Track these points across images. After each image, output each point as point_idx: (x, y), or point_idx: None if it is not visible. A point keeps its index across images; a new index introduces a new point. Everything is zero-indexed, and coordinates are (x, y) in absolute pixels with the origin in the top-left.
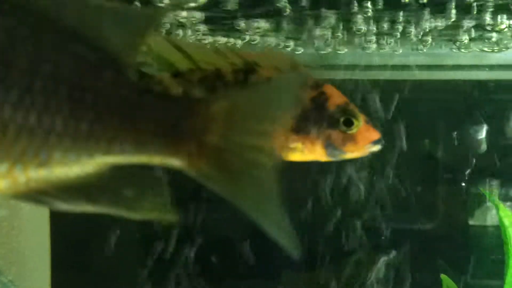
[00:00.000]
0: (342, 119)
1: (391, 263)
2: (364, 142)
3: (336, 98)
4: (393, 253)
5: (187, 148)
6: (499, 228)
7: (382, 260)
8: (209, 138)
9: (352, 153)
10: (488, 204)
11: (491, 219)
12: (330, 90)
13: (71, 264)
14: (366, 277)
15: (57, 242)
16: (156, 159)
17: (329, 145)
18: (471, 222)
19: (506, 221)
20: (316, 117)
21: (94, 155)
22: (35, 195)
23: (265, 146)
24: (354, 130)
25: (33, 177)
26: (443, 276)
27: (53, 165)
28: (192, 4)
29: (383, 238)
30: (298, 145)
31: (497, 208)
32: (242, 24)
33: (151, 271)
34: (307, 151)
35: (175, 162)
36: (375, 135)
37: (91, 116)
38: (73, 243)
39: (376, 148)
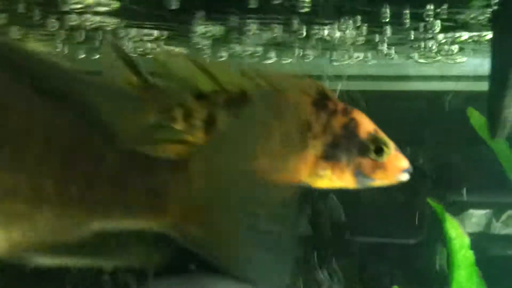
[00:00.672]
0: (372, 147)
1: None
2: (394, 171)
3: (366, 125)
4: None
5: (171, 212)
6: (477, 236)
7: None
8: (192, 200)
9: (382, 181)
10: (470, 211)
11: (470, 227)
12: (359, 116)
13: None
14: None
15: None
16: (141, 225)
17: (359, 173)
18: None
19: (453, 233)
20: (346, 144)
21: (82, 221)
22: (18, 254)
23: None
24: (384, 158)
25: (18, 240)
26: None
27: (40, 230)
28: (105, 9)
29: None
30: (327, 172)
31: (444, 220)
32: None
33: None
34: (336, 179)
35: (160, 227)
36: (405, 163)
37: (81, 183)
38: None
39: (405, 176)
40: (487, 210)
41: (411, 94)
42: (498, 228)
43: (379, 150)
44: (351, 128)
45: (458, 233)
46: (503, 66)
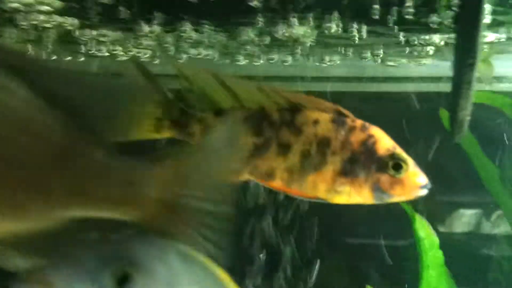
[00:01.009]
0: (391, 163)
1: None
2: (412, 187)
3: (385, 141)
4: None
5: (143, 205)
6: (469, 235)
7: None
8: (162, 195)
9: (400, 197)
10: (461, 211)
11: (461, 226)
12: (377, 132)
13: None
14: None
15: None
16: (119, 215)
17: (377, 189)
18: (441, 229)
19: (422, 233)
20: (365, 160)
21: (67, 208)
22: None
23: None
24: (402, 174)
25: (8, 229)
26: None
27: (29, 218)
28: (47, 8)
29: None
30: (346, 188)
31: (414, 220)
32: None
33: None
34: (354, 194)
35: (134, 216)
36: (423, 179)
37: (68, 174)
38: None
39: (423, 192)
40: (477, 210)
41: (390, 95)
42: (488, 227)
43: (398, 166)
44: (369, 145)
45: (427, 233)
46: (459, 68)
